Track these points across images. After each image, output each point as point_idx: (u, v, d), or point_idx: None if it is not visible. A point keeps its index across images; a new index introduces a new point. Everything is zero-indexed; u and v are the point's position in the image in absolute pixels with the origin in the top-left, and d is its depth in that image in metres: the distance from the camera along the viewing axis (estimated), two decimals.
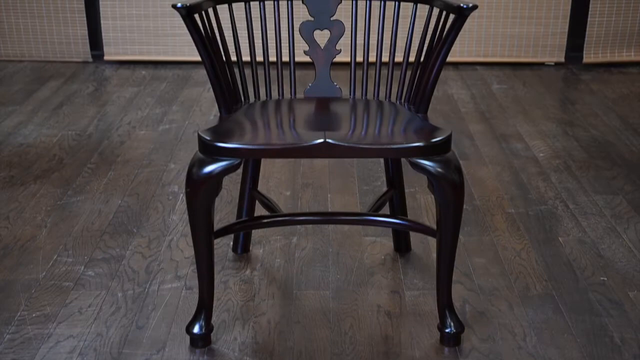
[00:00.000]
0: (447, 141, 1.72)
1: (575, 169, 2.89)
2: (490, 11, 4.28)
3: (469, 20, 4.17)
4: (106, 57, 4.35)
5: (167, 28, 4.29)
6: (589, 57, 4.33)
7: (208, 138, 1.71)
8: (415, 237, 2.33)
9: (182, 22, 1.80)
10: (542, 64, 4.38)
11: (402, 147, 1.69)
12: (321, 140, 1.68)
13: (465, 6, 1.75)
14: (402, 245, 2.27)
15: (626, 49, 4.36)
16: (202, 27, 1.82)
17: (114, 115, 3.47)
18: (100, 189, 2.70)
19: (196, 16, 1.80)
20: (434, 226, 2.23)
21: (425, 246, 2.31)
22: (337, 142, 1.68)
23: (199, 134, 1.73)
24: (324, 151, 1.68)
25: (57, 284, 2.10)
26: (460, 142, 3.16)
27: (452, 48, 1.86)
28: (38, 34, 4.34)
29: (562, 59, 4.37)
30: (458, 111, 3.56)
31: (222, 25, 2.01)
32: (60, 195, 2.64)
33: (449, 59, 4.20)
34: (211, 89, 3.79)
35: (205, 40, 1.80)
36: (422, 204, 2.60)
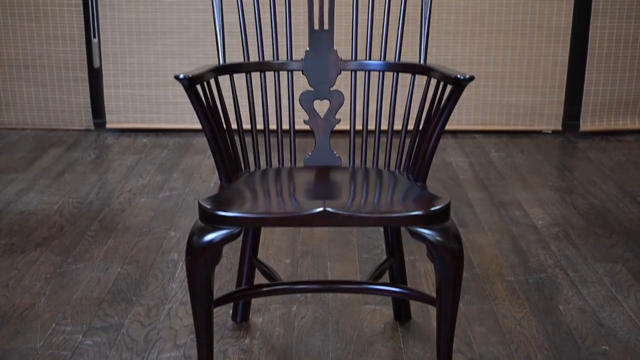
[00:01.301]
0: (446, 210, 1.73)
1: (574, 237, 2.90)
2: (487, 80, 4.34)
3: (466, 89, 4.22)
4: (108, 125, 4.39)
5: (168, 97, 4.35)
6: (585, 125, 4.38)
7: (208, 207, 1.72)
8: (415, 305, 2.32)
9: (183, 90, 1.83)
10: (539, 132, 4.42)
11: (401, 215, 1.70)
12: (321, 209, 1.69)
13: (462, 77, 1.78)
14: (402, 313, 2.27)
15: (622, 118, 4.41)
16: (204, 96, 1.85)
17: (114, 183, 3.49)
18: (100, 256, 2.70)
19: (198, 87, 1.83)
20: (434, 294, 2.23)
21: (425, 314, 2.30)
22: (336, 211, 1.69)
23: (199, 203, 1.75)
24: (324, 220, 1.69)
25: (55, 353, 2.09)
26: (459, 209, 3.17)
27: (450, 116, 1.88)
28: (41, 103, 4.39)
29: (560, 127, 4.42)
30: (457, 179, 3.58)
31: (223, 93, 2.04)
32: (60, 262, 2.64)
33: (448, 127, 4.24)
34: (212, 156, 3.81)
35: (207, 111, 1.83)
36: (422, 271, 2.59)
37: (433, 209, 1.72)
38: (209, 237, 1.71)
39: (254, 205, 1.80)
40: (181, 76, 1.75)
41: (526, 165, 3.81)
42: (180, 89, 4.22)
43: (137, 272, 2.58)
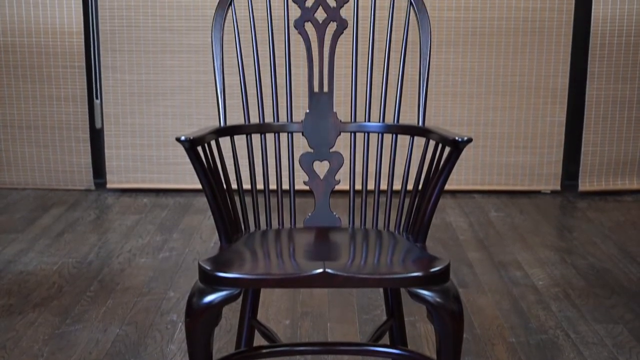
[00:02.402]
0: (446, 271, 1.73)
1: (574, 297, 2.89)
2: (486, 141, 4.37)
3: (465, 149, 4.25)
4: (109, 185, 4.41)
5: (169, 157, 4.38)
6: (584, 185, 4.40)
7: (208, 267, 1.72)
8: None
9: (184, 150, 1.84)
10: (538, 192, 4.44)
11: (400, 277, 1.70)
12: (320, 270, 1.69)
13: (460, 140, 1.80)
14: None
15: (620, 178, 4.43)
16: (204, 157, 1.87)
17: (114, 243, 3.49)
18: (98, 317, 2.68)
19: (199, 148, 1.84)
20: (434, 356, 2.21)
21: None
22: (336, 272, 1.69)
23: (199, 264, 1.75)
24: (324, 281, 1.69)
25: None
26: (459, 270, 3.17)
27: (450, 176, 1.89)
28: (42, 163, 4.42)
29: (558, 187, 4.43)
30: (456, 239, 3.59)
31: (224, 153, 2.06)
32: (58, 324, 2.63)
33: (447, 187, 4.26)
34: (212, 217, 3.82)
35: (207, 171, 1.84)
36: (422, 332, 2.58)
37: (433, 270, 1.72)
38: (209, 298, 1.70)
39: (253, 266, 1.81)
40: (182, 138, 1.77)
41: (526, 225, 3.82)
42: (180, 150, 4.25)
43: (135, 333, 2.56)
